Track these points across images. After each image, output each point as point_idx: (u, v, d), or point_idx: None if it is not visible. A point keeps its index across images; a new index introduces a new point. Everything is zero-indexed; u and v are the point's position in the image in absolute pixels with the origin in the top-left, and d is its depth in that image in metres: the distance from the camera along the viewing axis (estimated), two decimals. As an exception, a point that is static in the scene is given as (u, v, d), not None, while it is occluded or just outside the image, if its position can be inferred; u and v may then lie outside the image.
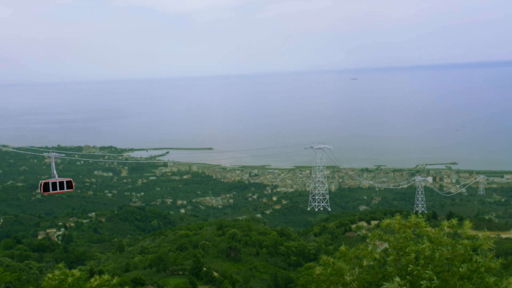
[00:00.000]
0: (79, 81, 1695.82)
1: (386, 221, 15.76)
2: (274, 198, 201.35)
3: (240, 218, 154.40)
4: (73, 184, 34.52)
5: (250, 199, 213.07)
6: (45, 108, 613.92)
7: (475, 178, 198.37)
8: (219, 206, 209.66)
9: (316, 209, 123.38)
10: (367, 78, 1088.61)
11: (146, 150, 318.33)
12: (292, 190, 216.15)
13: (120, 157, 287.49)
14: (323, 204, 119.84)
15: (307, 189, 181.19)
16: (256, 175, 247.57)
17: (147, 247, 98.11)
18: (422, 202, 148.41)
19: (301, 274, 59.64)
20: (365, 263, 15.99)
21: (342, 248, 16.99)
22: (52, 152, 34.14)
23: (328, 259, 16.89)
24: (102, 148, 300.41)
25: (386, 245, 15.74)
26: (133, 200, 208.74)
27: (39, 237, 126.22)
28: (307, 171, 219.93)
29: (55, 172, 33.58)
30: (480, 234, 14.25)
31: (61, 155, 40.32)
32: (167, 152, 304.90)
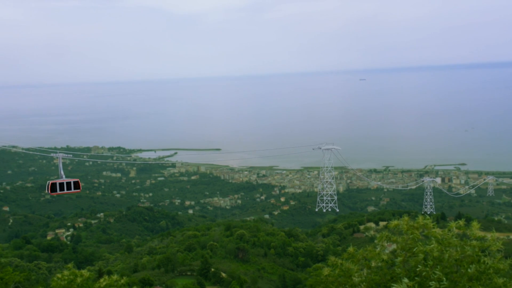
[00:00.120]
0: (85, 82, 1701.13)
1: (394, 222, 15.75)
2: (282, 199, 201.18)
3: (248, 218, 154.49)
4: (80, 184, 34.71)
5: (258, 199, 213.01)
6: (52, 109, 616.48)
7: (484, 179, 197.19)
8: (227, 207, 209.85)
9: (324, 210, 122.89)
10: (375, 79, 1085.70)
11: (155, 151, 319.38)
12: (300, 191, 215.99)
13: (128, 158, 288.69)
14: (331, 205, 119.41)
15: (315, 190, 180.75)
16: (264, 175, 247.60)
17: (155, 248, 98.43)
18: (431, 203, 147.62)
19: (309, 275, 59.62)
20: (373, 264, 15.98)
21: (350, 249, 16.97)
22: (60, 152, 34.31)
23: (336, 260, 16.88)
24: (110, 149, 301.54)
25: (394, 246, 15.73)
26: (141, 200, 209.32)
27: (48, 238, 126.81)
28: (315, 172, 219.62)
29: (62, 172, 33.77)
30: (488, 235, 14.22)
31: (69, 155, 40.59)
32: (175, 153, 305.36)
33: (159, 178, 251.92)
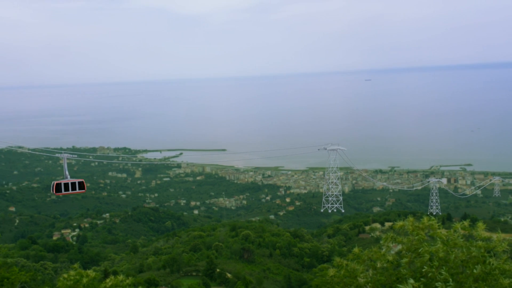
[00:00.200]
0: (90, 83, 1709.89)
1: (399, 223, 15.74)
2: (288, 200, 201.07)
3: (253, 219, 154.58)
4: (85, 185, 34.84)
5: (263, 200, 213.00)
6: (58, 110, 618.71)
7: (490, 180, 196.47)
8: (233, 207, 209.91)
9: (330, 211, 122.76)
10: (381, 79, 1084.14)
11: (160, 151, 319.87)
12: (306, 191, 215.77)
13: (134, 158, 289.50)
14: (336, 205, 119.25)
15: (321, 190, 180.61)
16: (269, 176, 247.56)
17: (160, 248, 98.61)
18: (437, 204, 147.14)
19: (315, 275, 59.63)
20: (378, 265, 15.98)
21: (356, 249, 16.97)
22: (64, 153, 34.46)
23: (342, 261, 16.89)
24: (116, 150, 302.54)
25: (399, 247, 15.72)
26: (147, 201, 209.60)
27: (54, 238, 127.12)
28: (321, 173, 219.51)
29: (67, 173, 33.92)
30: (494, 236, 14.20)
31: (74, 156, 40.77)
32: (181, 154, 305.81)
33: (164, 179, 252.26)
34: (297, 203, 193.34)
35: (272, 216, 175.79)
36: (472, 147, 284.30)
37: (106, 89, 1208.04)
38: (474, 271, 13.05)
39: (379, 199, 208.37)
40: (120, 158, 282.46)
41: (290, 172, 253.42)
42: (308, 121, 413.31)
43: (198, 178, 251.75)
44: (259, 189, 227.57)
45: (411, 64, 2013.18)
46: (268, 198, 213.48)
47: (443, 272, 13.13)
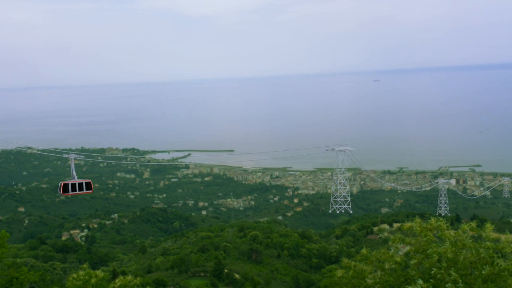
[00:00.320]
0: (96, 84, 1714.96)
1: (408, 224, 15.72)
2: (296, 200, 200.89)
3: (261, 220, 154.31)
4: (92, 185, 34.95)
5: (271, 201, 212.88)
6: (66, 111, 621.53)
7: (500, 181, 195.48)
8: (241, 208, 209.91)
9: (338, 212, 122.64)
10: (389, 80, 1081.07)
11: (168, 152, 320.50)
12: (314, 192, 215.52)
13: (142, 159, 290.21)
14: (344, 206, 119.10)
15: (329, 191, 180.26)
16: (277, 177, 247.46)
17: (169, 249, 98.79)
18: (445, 205, 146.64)
19: (323, 276, 59.53)
20: (387, 266, 15.96)
21: (364, 250, 16.97)
22: (72, 154, 34.57)
23: (350, 261, 16.90)
24: (124, 150, 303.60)
25: (408, 248, 15.70)
26: (155, 201, 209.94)
27: (63, 238, 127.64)
28: (329, 173, 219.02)
29: (74, 173, 34.01)
30: (503, 237, 14.16)
31: (81, 156, 40.97)
32: (189, 154, 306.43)
33: (172, 179, 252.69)
34: (305, 204, 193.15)
35: (280, 217, 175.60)
36: (481, 148, 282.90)
37: (112, 90, 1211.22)
38: (483, 272, 13.01)
39: (387, 200, 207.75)
40: (129, 159, 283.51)
41: (298, 172, 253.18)
42: (316, 122, 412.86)
43: (206, 178, 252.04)
44: (267, 190, 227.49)
45: (419, 65, 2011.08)
46: (276, 199, 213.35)
47: (452, 273, 13.10)
